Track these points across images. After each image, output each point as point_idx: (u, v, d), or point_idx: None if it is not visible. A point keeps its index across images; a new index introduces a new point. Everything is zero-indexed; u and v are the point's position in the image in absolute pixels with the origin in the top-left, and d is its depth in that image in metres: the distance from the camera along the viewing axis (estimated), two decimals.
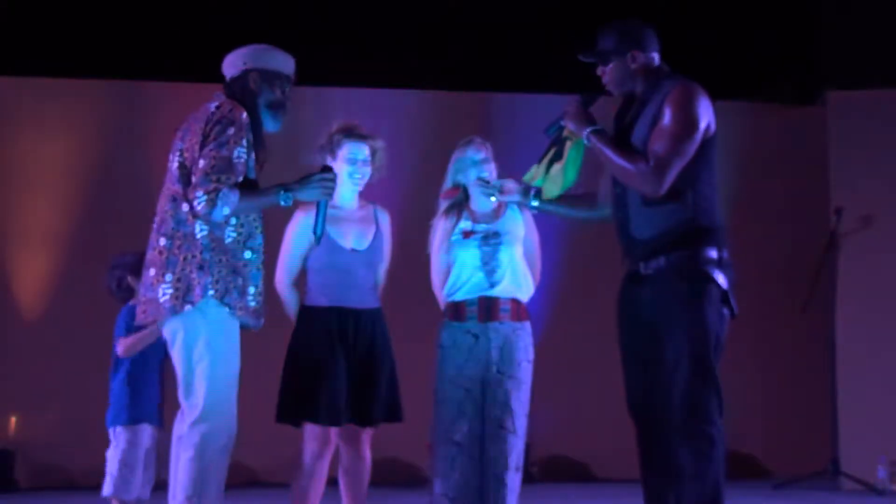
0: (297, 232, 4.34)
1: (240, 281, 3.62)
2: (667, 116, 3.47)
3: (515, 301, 4.37)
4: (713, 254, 3.49)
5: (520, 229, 4.43)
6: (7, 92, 7.65)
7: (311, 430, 4.22)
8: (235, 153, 3.54)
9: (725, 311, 3.52)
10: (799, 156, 8.05)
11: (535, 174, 3.83)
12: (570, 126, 3.68)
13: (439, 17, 7.89)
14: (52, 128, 7.62)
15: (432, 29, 7.88)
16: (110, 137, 7.66)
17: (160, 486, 4.39)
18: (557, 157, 3.75)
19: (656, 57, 3.67)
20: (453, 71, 7.93)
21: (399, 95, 7.99)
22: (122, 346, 4.62)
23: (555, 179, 3.77)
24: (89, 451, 6.23)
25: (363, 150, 4.37)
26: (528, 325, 4.40)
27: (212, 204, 3.48)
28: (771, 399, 7.85)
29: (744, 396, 7.31)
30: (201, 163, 3.52)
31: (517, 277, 4.38)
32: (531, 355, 4.38)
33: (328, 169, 3.77)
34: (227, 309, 3.58)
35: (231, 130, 3.55)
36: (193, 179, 3.53)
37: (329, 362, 4.20)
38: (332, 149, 4.37)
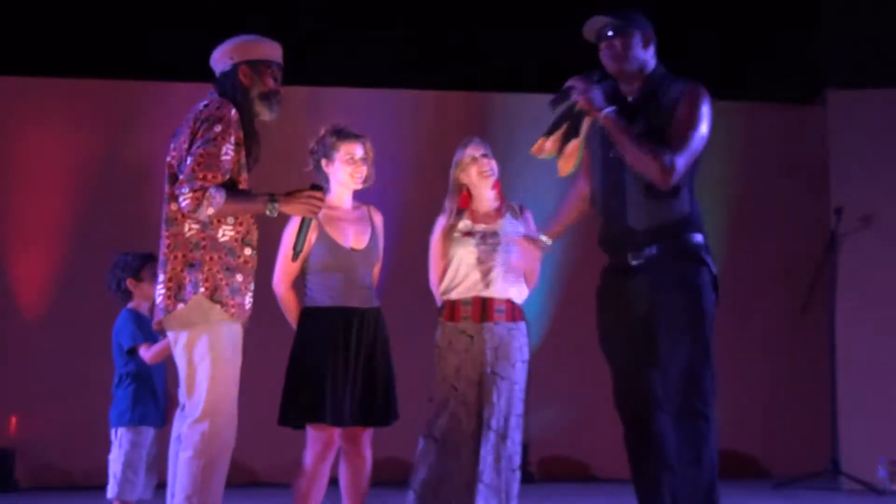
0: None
1: (238, 278, 3.61)
2: (687, 113, 3.54)
3: (510, 302, 4.38)
4: (701, 239, 3.61)
5: (519, 231, 4.44)
6: (7, 92, 7.65)
7: (314, 432, 4.21)
8: (223, 151, 3.52)
9: (714, 295, 3.60)
10: (799, 156, 8.04)
11: (543, 147, 3.70)
12: (584, 102, 3.59)
13: (438, 17, 7.88)
14: (52, 128, 7.61)
15: (431, 29, 7.86)
16: (110, 137, 7.65)
17: (159, 486, 4.39)
18: (574, 132, 3.69)
19: (654, 59, 3.72)
20: (453, 71, 7.92)
21: (398, 95, 7.98)
22: (149, 354, 4.59)
23: (569, 157, 3.72)
24: (89, 451, 6.24)
25: (359, 149, 4.36)
26: (523, 325, 4.41)
27: (196, 202, 3.46)
28: (771, 399, 7.84)
29: (744, 396, 7.31)
30: (188, 160, 3.51)
31: (512, 278, 4.39)
32: (526, 355, 4.38)
33: (318, 188, 3.73)
34: (218, 306, 3.55)
35: (218, 128, 3.52)
36: (181, 177, 3.52)
37: (334, 364, 4.18)
38: (326, 152, 4.36)
